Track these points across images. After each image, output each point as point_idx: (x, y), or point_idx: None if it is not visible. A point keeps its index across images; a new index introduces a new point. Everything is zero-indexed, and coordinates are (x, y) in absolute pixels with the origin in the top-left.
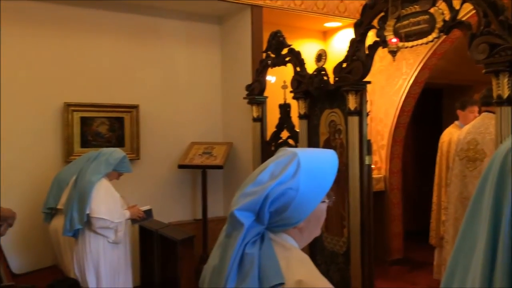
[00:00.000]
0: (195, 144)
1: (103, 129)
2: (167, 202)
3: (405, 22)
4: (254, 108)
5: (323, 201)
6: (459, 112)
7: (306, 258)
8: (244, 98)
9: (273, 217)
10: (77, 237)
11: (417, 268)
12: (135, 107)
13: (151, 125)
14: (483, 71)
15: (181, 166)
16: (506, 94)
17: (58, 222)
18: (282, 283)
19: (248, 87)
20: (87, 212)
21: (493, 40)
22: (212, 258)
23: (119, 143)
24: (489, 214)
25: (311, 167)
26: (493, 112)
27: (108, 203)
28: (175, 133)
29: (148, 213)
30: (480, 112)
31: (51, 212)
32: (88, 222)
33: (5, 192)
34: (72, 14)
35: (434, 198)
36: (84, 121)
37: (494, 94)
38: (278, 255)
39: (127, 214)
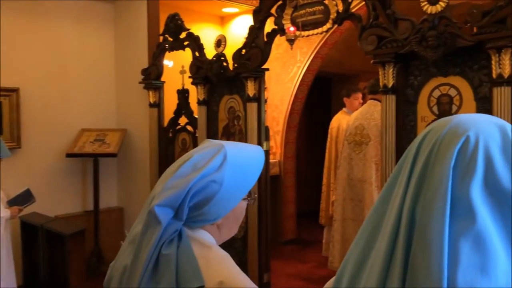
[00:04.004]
0: (86, 131)
1: None
2: (54, 194)
3: (302, 12)
4: (151, 93)
5: (245, 199)
6: (345, 99)
7: (226, 256)
8: (140, 82)
9: (192, 212)
10: None
11: (308, 246)
12: (15, 90)
13: (35, 110)
14: (372, 61)
15: (69, 155)
16: (391, 83)
17: None
18: (202, 286)
19: (144, 71)
20: None
21: (381, 33)
22: (122, 257)
23: None
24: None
25: (238, 162)
26: (379, 100)
27: None
28: (63, 120)
29: (27, 194)
30: (365, 100)
31: None
32: None
33: None
34: None
35: (324, 180)
36: None
37: (381, 84)
38: (197, 253)
39: (8, 213)
